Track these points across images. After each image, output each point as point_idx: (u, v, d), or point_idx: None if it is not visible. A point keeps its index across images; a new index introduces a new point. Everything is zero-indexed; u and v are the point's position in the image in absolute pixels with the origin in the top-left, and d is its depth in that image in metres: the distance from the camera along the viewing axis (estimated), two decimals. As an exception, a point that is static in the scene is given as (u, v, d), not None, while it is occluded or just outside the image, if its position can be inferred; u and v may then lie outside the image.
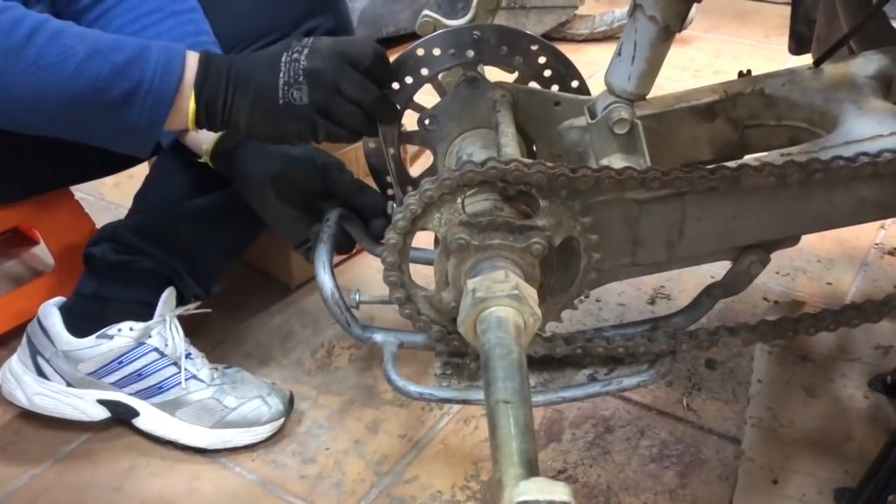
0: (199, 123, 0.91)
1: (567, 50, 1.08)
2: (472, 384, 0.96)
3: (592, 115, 0.96)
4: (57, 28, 0.86)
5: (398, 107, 1.00)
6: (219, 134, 1.10)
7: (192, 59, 0.90)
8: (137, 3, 1.07)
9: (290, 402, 1.23)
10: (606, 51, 1.08)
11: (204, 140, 1.11)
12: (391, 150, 1.08)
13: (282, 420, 1.22)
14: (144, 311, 1.17)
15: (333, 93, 0.89)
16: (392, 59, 1.03)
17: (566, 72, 1.05)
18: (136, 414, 1.19)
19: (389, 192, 1.11)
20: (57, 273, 1.40)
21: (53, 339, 1.16)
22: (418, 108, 1.06)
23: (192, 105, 0.89)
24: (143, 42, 0.90)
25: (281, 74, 0.89)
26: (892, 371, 1.25)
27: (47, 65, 0.84)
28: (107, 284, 1.19)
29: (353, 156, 1.48)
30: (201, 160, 1.12)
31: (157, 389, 1.18)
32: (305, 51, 0.89)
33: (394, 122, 1.01)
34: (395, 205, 1.08)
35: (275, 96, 0.88)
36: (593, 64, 1.63)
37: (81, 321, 1.16)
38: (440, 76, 1.06)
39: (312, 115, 0.89)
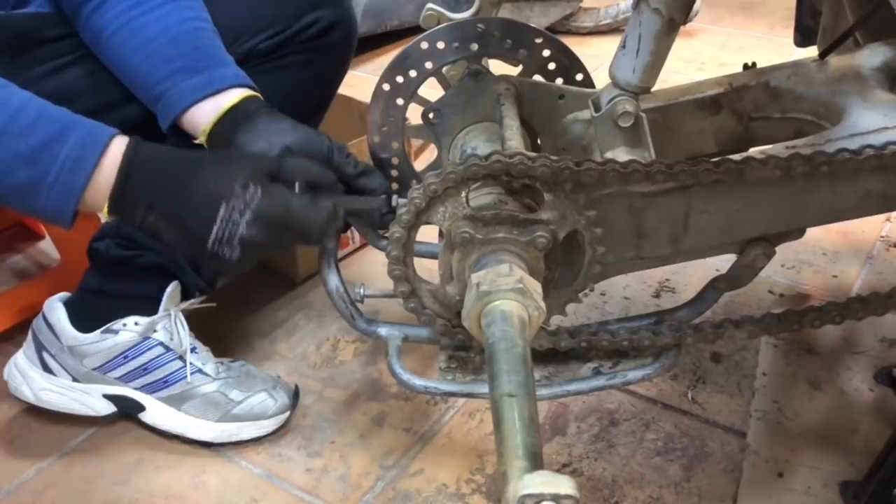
0: (116, 221, 0.90)
1: (571, 43, 1.07)
2: (477, 378, 0.96)
3: (597, 109, 0.95)
4: None
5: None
6: (217, 114, 1.08)
7: (112, 157, 0.86)
8: None
9: (295, 396, 1.24)
10: (611, 44, 1.08)
11: (202, 122, 1.09)
12: (394, 144, 1.08)
13: (287, 413, 1.22)
14: (149, 306, 1.17)
15: (266, 251, 0.89)
16: (396, 52, 1.03)
17: (570, 65, 1.05)
18: (141, 408, 1.20)
19: (394, 186, 1.11)
20: (62, 268, 1.41)
21: (59, 335, 1.16)
22: (422, 101, 1.06)
23: (104, 210, 0.86)
24: (65, 124, 0.86)
25: (215, 229, 0.86)
26: (897, 364, 1.25)
27: None
28: (111, 279, 1.19)
29: (357, 150, 1.47)
30: (197, 141, 1.10)
31: (163, 383, 1.18)
32: (248, 215, 0.86)
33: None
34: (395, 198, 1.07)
35: (202, 244, 0.87)
36: (598, 57, 1.63)
37: (86, 316, 1.17)
38: (444, 69, 1.06)
39: (240, 263, 0.89)
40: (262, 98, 1.09)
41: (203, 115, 1.09)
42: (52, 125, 0.85)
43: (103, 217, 0.87)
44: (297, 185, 0.92)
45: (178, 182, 0.88)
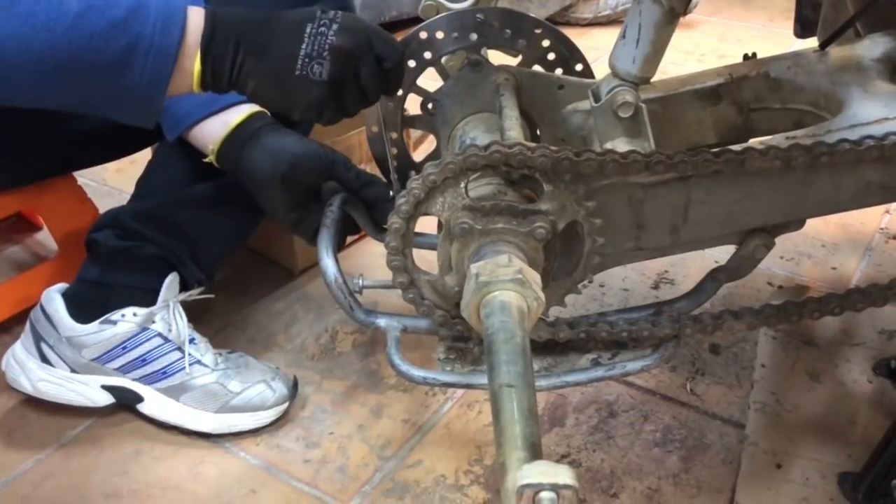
0: (205, 85, 0.85)
1: (571, 34, 1.07)
2: (476, 368, 0.96)
3: (596, 99, 0.95)
4: None
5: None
6: (224, 134, 1.09)
7: (197, 15, 0.84)
8: None
9: (294, 387, 1.24)
10: (611, 34, 1.08)
11: (209, 140, 1.11)
12: (393, 135, 1.08)
13: (286, 404, 1.22)
14: (147, 297, 1.17)
15: (351, 76, 0.86)
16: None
17: (570, 55, 1.05)
18: (140, 399, 1.19)
19: (393, 177, 1.11)
20: (60, 258, 1.40)
21: (57, 326, 1.16)
22: (421, 91, 1.06)
23: (197, 65, 0.84)
24: None
25: (303, 45, 0.84)
26: (896, 355, 1.25)
27: (39, 24, 0.78)
28: (110, 270, 1.19)
29: (356, 140, 1.47)
30: (207, 160, 1.11)
31: (162, 374, 1.18)
32: (335, 26, 0.85)
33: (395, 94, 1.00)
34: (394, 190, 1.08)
35: (292, 66, 0.84)
36: (597, 48, 1.63)
37: (85, 307, 1.16)
38: (443, 60, 1.05)
39: (325, 93, 0.86)
40: (266, 112, 1.12)
41: (210, 134, 1.10)
42: None
43: (195, 76, 0.84)
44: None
45: (263, 18, 0.87)
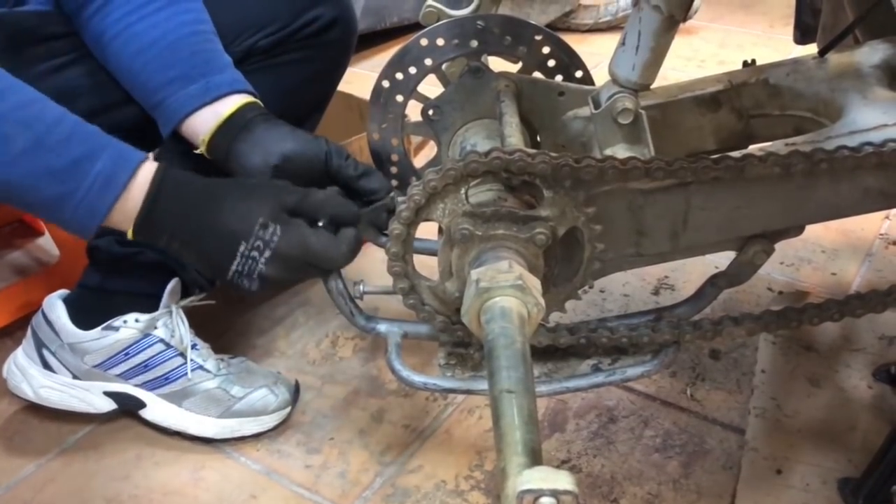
0: (138, 242, 0.92)
1: (571, 40, 1.07)
2: (476, 374, 0.96)
3: (596, 105, 0.95)
4: (3, 111, 0.84)
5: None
6: (216, 124, 1.08)
7: (143, 179, 0.89)
8: None
9: (296, 391, 1.24)
10: (611, 41, 1.08)
11: (201, 131, 1.10)
12: (394, 141, 1.08)
13: (288, 409, 1.22)
14: (149, 303, 1.17)
15: (297, 262, 0.91)
16: (396, 49, 1.03)
17: (570, 62, 1.05)
18: (142, 405, 1.20)
19: (394, 182, 1.11)
20: (61, 264, 1.41)
21: (59, 332, 1.16)
22: (422, 98, 1.06)
23: (129, 232, 0.89)
24: (97, 144, 0.88)
25: (234, 263, 0.89)
26: (896, 361, 1.25)
27: None
28: (111, 277, 1.19)
29: (357, 146, 1.48)
30: (198, 151, 1.11)
31: (164, 380, 1.18)
32: (267, 253, 0.89)
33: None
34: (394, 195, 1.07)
35: (223, 274, 0.90)
36: (597, 54, 1.63)
37: (86, 313, 1.17)
38: (444, 66, 1.06)
39: (263, 289, 0.91)
40: (259, 103, 1.10)
41: (202, 124, 1.09)
42: (85, 143, 0.87)
43: (129, 233, 0.90)
44: (320, 221, 0.95)
45: (201, 216, 0.91)
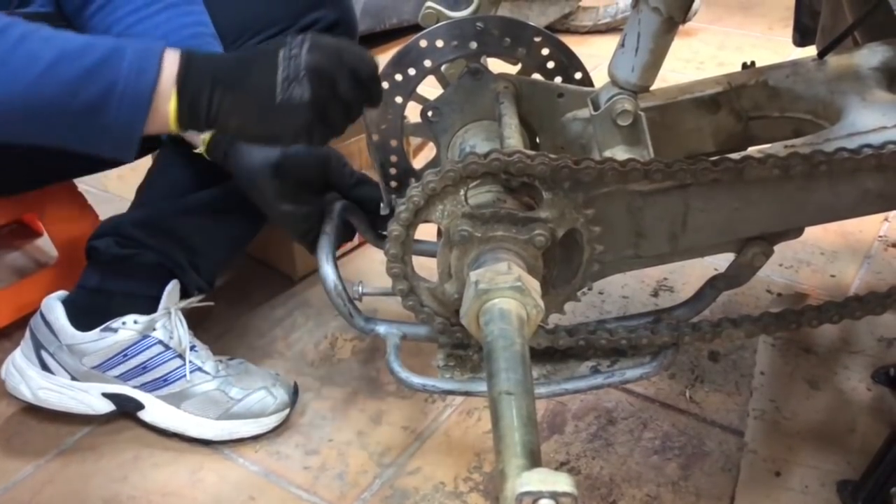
0: (182, 125, 0.86)
1: (570, 42, 1.07)
2: (475, 376, 0.96)
3: (596, 107, 0.95)
4: (21, 33, 0.82)
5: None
6: None
7: (172, 58, 0.85)
8: None
9: (294, 393, 1.24)
10: (610, 43, 1.08)
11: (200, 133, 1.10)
12: (393, 142, 1.08)
13: (287, 410, 1.22)
14: (148, 305, 1.17)
15: (332, 92, 0.87)
16: (395, 50, 1.03)
17: (569, 63, 1.05)
18: (141, 407, 1.19)
19: (393, 184, 1.11)
20: (60, 265, 1.41)
21: (57, 333, 1.16)
22: (421, 99, 1.06)
23: (172, 105, 0.84)
24: (117, 42, 0.85)
25: (280, 71, 0.85)
26: (895, 363, 1.25)
27: (11, 71, 0.80)
28: (110, 278, 1.19)
29: (356, 148, 1.48)
30: (197, 151, 1.11)
31: (163, 382, 1.18)
32: (306, 45, 0.86)
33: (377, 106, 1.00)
34: (393, 197, 1.07)
35: (272, 94, 0.84)
36: (597, 56, 1.63)
37: (85, 315, 1.17)
38: (443, 68, 1.06)
39: (310, 115, 0.86)
40: None
41: None
42: (105, 42, 0.85)
43: (171, 116, 0.85)
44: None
45: (236, 56, 0.89)
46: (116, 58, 0.83)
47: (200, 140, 1.11)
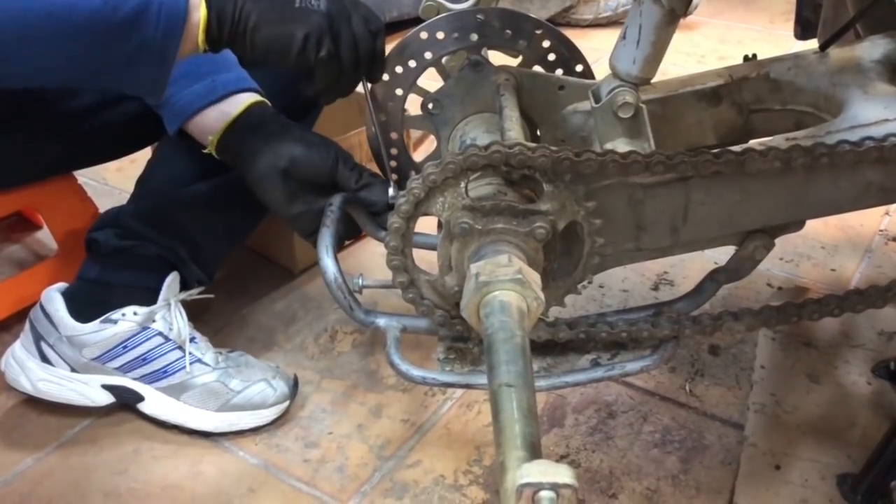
0: (210, 36, 0.89)
1: (572, 35, 1.07)
2: (475, 368, 0.96)
3: (597, 99, 0.95)
4: None
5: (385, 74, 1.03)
6: (224, 124, 1.09)
7: None
8: None
9: (294, 385, 1.24)
10: (611, 35, 1.08)
11: (209, 131, 1.11)
12: (393, 135, 1.08)
13: (287, 403, 1.22)
14: (148, 296, 1.17)
15: (346, 14, 0.91)
16: (395, 42, 1.02)
17: (570, 56, 1.05)
18: (140, 398, 1.19)
19: (393, 177, 1.11)
20: (60, 257, 1.41)
21: (57, 325, 1.16)
22: (422, 91, 1.06)
23: (202, 13, 0.87)
24: None
25: None
26: (895, 357, 1.25)
27: None
28: (110, 270, 1.19)
29: (356, 141, 1.48)
30: (206, 151, 1.11)
31: (162, 373, 1.18)
32: None
33: (379, 80, 1.03)
34: (392, 183, 1.07)
35: (290, 4, 0.90)
36: (598, 49, 1.62)
37: (85, 306, 1.17)
38: (444, 60, 1.05)
39: (323, 23, 0.90)
40: (266, 102, 1.11)
41: (210, 123, 1.10)
42: None
43: (201, 25, 0.88)
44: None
45: None
46: None
47: (209, 140, 1.11)
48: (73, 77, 0.90)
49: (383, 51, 0.99)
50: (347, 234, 1.08)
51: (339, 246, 1.05)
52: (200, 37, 0.88)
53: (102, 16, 0.83)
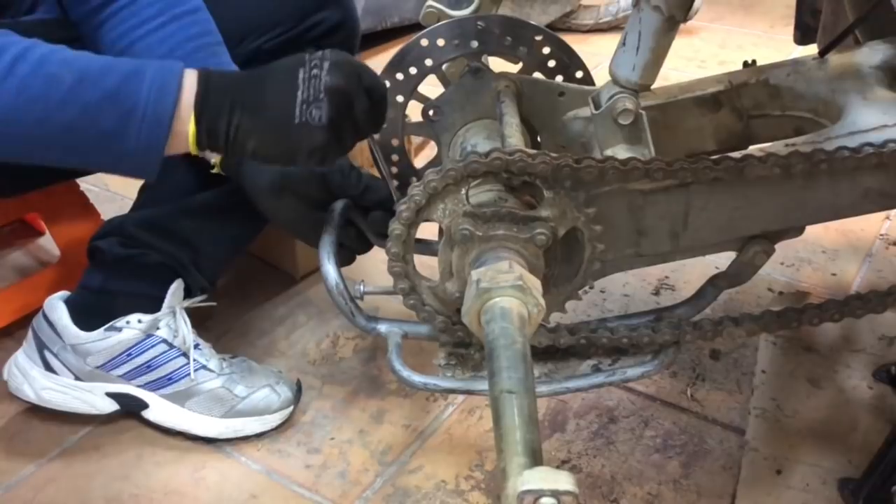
0: (201, 146, 0.86)
1: (571, 41, 1.08)
2: (477, 374, 0.96)
3: (597, 106, 0.96)
4: (41, 55, 0.81)
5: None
6: None
7: (191, 79, 0.84)
8: (140, 7, 1.06)
9: (298, 390, 1.24)
10: (612, 41, 1.09)
11: None
12: (394, 141, 1.09)
13: (291, 408, 1.22)
14: (152, 304, 1.17)
15: (348, 113, 0.86)
16: (396, 49, 1.03)
17: (570, 62, 1.05)
18: (145, 406, 1.20)
19: (394, 182, 1.11)
20: (62, 264, 1.41)
21: (61, 333, 1.16)
22: (422, 98, 1.06)
23: (191, 128, 0.84)
24: (137, 63, 0.85)
25: (299, 92, 0.84)
26: (896, 362, 1.25)
27: (33, 96, 0.80)
28: (114, 278, 1.19)
29: (357, 146, 1.48)
30: (213, 171, 1.11)
31: (167, 381, 1.18)
32: (326, 65, 0.85)
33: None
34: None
35: (291, 116, 0.83)
36: (598, 55, 1.63)
37: (88, 314, 1.17)
38: (444, 67, 1.06)
39: (327, 137, 0.85)
40: None
41: None
42: (125, 65, 0.84)
43: (190, 139, 0.85)
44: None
45: (253, 75, 0.87)
46: (136, 80, 0.83)
47: (213, 160, 1.11)
48: (65, 165, 0.88)
49: (385, 107, 0.93)
50: (359, 249, 1.08)
51: (350, 260, 1.06)
52: (191, 148, 0.85)
53: (79, 128, 0.81)
